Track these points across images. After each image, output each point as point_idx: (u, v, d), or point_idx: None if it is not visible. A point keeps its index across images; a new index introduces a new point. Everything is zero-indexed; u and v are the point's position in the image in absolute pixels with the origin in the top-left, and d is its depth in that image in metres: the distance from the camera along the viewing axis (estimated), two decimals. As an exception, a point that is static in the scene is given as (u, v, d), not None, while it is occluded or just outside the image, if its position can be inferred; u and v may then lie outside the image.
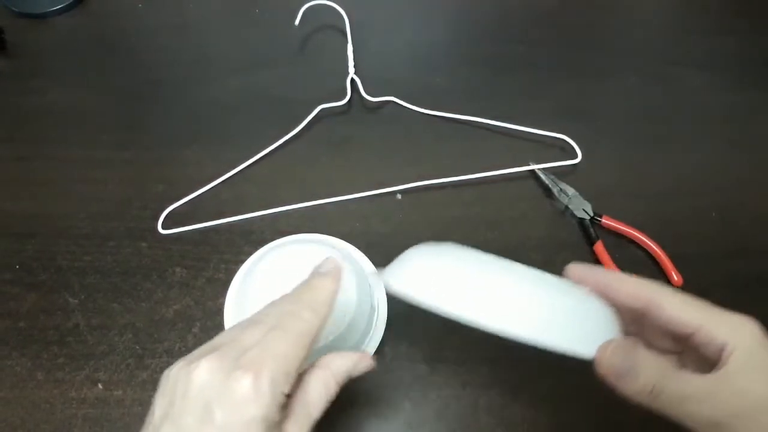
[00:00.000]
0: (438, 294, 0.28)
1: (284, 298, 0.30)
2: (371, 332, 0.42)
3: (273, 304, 0.30)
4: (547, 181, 0.51)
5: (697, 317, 0.29)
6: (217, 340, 0.28)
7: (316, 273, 0.31)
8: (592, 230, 0.48)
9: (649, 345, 0.31)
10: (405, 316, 0.43)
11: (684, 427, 0.27)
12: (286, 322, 0.28)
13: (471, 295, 0.28)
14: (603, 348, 0.28)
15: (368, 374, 0.42)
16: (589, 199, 0.49)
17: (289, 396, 0.27)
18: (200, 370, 0.25)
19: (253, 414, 0.24)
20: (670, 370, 0.28)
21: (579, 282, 0.32)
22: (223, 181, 0.52)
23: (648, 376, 0.27)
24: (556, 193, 0.50)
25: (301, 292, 0.30)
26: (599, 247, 0.47)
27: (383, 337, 0.44)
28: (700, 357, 0.29)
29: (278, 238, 0.49)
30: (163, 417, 0.25)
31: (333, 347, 0.36)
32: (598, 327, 0.29)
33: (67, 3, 0.66)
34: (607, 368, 0.28)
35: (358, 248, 0.48)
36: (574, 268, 0.32)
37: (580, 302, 0.30)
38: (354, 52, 0.59)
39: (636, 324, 0.31)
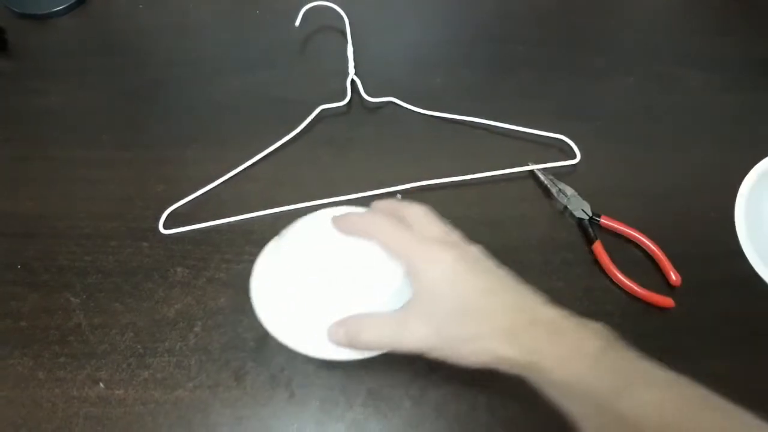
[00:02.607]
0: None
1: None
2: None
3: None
4: (546, 182, 0.51)
5: (400, 247, 0.35)
6: None
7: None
8: (591, 230, 0.48)
9: None
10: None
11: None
12: None
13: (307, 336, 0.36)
14: (327, 331, 0.35)
15: (369, 372, 0.43)
16: (588, 199, 0.49)
17: None
18: None
19: None
20: (364, 319, 0.35)
21: (346, 232, 0.36)
22: (224, 181, 0.52)
23: (347, 333, 0.35)
24: (555, 194, 0.50)
25: None
26: (598, 247, 0.47)
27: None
28: None
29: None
30: None
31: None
32: None
33: (68, 4, 0.66)
34: (336, 341, 0.35)
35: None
36: (336, 222, 0.37)
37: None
38: (354, 52, 0.59)
39: None
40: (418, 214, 0.36)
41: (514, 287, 0.34)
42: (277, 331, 0.37)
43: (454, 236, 0.36)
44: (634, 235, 0.48)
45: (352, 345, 0.35)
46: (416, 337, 0.33)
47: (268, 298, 0.38)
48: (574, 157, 0.52)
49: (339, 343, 0.35)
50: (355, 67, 0.58)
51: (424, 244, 0.34)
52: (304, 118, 0.55)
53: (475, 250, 0.35)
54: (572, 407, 0.32)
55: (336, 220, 0.37)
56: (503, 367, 0.33)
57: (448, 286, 0.33)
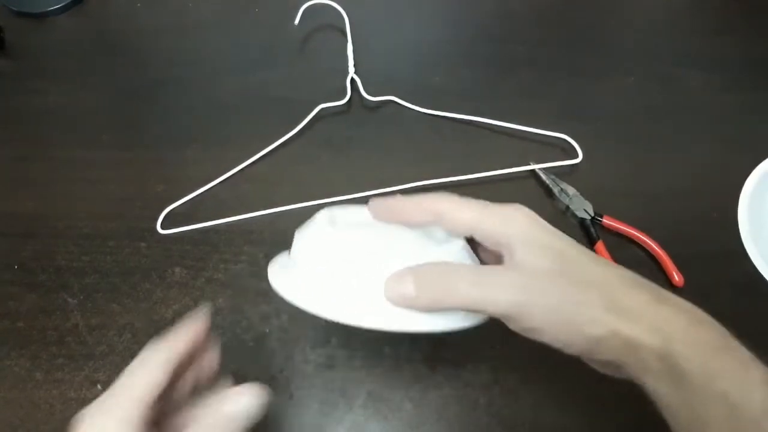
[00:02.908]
0: (320, 304, 0.28)
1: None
2: None
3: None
4: (547, 181, 0.50)
5: (471, 216, 0.29)
6: None
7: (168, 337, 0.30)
8: (592, 230, 0.48)
9: None
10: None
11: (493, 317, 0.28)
12: (133, 362, 0.28)
13: (347, 300, 0.28)
14: (385, 288, 0.28)
15: (368, 374, 0.43)
16: (590, 199, 0.49)
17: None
18: None
19: None
20: (450, 269, 0.28)
21: (379, 218, 0.31)
22: (222, 181, 0.52)
23: (426, 287, 0.27)
24: (556, 193, 0.50)
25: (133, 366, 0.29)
26: (600, 247, 0.47)
27: (382, 338, 0.44)
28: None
29: (278, 238, 0.49)
30: None
31: None
32: None
33: (66, 2, 0.66)
34: (396, 300, 0.28)
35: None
36: (372, 207, 0.31)
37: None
38: (354, 51, 0.59)
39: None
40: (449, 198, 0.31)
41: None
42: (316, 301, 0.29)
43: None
44: (637, 236, 0.47)
45: (419, 302, 0.27)
46: (510, 292, 0.26)
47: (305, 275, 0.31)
48: (576, 156, 0.52)
49: (402, 299, 0.27)
50: (354, 65, 0.58)
51: (504, 206, 0.29)
52: (304, 117, 0.55)
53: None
54: (700, 408, 0.25)
55: (378, 205, 0.31)
56: (614, 348, 0.26)
57: (547, 244, 0.28)
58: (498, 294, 0.27)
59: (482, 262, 0.32)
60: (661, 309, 0.26)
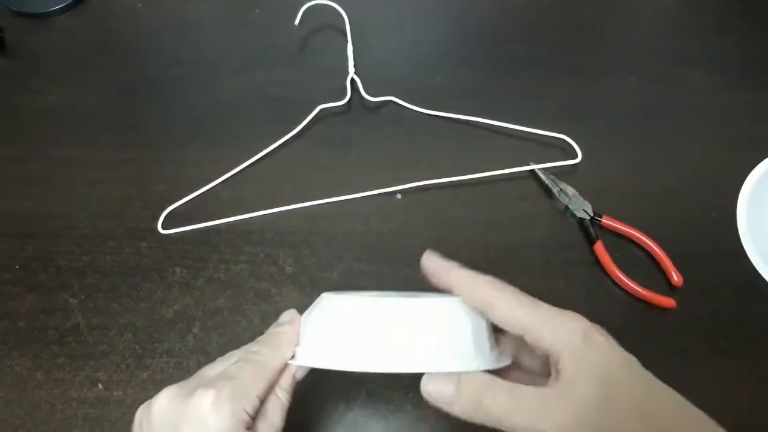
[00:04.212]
0: (341, 357, 0.29)
1: (246, 346, 0.32)
2: None
3: (234, 351, 0.32)
4: (547, 181, 0.50)
5: (525, 318, 0.28)
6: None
7: (276, 324, 0.33)
8: (592, 230, 0.48)
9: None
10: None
11: None
12: (247, 357, 0.30)
13: (365, 349, 0.29)
14: (424, 380, 0.29)
15: (368, 374, 0.42)
16: (589, 199, 0.49)
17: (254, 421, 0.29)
18: (159, 399, 0.28)
19: (215, 426, 0.26)
20: (495, 383, 0.27)
21: (428, 274, 0.31)
22: (223, 181, 0.52)
23: (469, 392, 0.27)
24: (556, 193, 0.50)
25: (261, 338, 0.32)
26: (599, 247, 0.47)
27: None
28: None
29: (278, 237, 0.49)
30: None
31: None
32: (474, 342, 0.29)
33: (66, 2, 0.66)
34: (433, 396, 0.28)
35: (359, 248, 0.48)
36: (426, 260, 0.31)
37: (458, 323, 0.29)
38: (354, 52, 0.59)
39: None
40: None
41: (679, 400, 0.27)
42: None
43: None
44: (636, 236, 0.47)
45: (455, 408, 0.28)
46: (553, 422, 0.25)
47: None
48: (575, 156, 0.52)
49: (440, 398, 0.28)
50: (354, 66, 0.58)
51: (561, 314, 0.28)
52: (304, 118, 0.55)
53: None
54: None
55: (432, 262, 0.31)
56: None
57: (599, 369, 0.26)
58: (539, 424, 0.26)
59: (525, 364, 0.31)
60: None
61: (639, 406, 0.26)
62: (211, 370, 0.31)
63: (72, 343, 0.44)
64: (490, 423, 0.27)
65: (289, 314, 0.33)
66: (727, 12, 0.65)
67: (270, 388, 0.30)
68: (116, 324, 0.45)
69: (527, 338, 0.28)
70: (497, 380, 0.27)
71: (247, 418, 0.28)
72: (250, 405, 0.28)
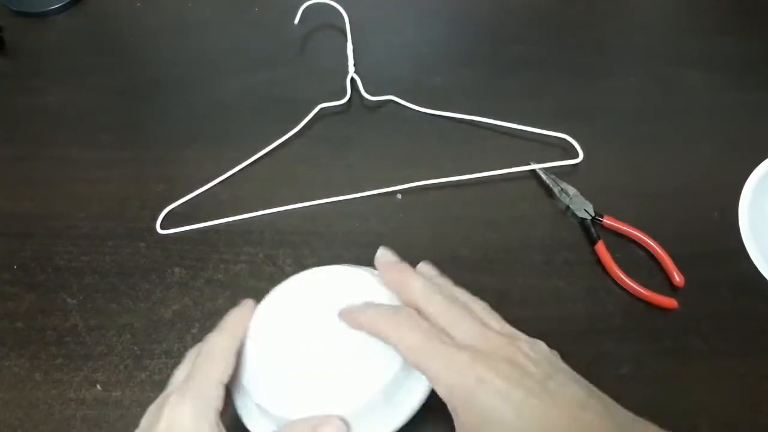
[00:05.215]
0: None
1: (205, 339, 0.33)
2: (403, 385, 0.32)
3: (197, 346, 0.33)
4: (548, 181, 0.50)
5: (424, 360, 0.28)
6: None
7: (230, 312, 0.34)
8: (593, 230, 0.48)
9: None
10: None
11: None
12: (206, 350, 0.31)
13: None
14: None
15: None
16: (590, 199, 0.49)
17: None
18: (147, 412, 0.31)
19: (186, 415, 0.28)
20: None
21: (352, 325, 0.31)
22: (222, 181, 0.52)
23: None
24: (557, 193, 0.50)
25: (217, 327, 0.33)
26: (600, 247, 0.47)
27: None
28: None
29: (278, 237, 0.49)
30: None
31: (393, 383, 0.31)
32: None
33: (66, 2, 0.65)
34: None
35: (359, 248, 0.48)
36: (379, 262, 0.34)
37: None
38: (354, 51, 0.59)
39: None
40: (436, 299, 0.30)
41: (596, 421, 0.26)
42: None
43: (506, 336, 0.29)
44: (637, 236, 0.47)
45: None
46: None
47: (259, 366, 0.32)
48: (576, 156, 0.52)
49: None
50: (354, 65, 0.58)
51: (469, 356, 0.26)
52: (304, 117, 0.54)
53: (541, 361, 0.28)
54: None
55: (342, 314, 0.32)
56: None
57: (506, 419, 0.25)
58: None
59: None
60: None
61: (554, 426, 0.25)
62: (180, 373, 0.32)
63: (70, 344, 0.44)
64: None
65: (246, 303, 0.34)
66: (727, 12, 0.65)
67: (230, 372, 0.31)
68: (115, 324, 0.45)
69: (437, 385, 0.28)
70: None
71: (214, 415, 0.29)
72: (215, 400, 0.29)
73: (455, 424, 0.27)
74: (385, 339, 0.29)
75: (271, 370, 0.31)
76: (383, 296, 0.33)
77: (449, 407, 0.27)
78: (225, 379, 0.30)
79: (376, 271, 0.35)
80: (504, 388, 0.26)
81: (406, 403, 0.32)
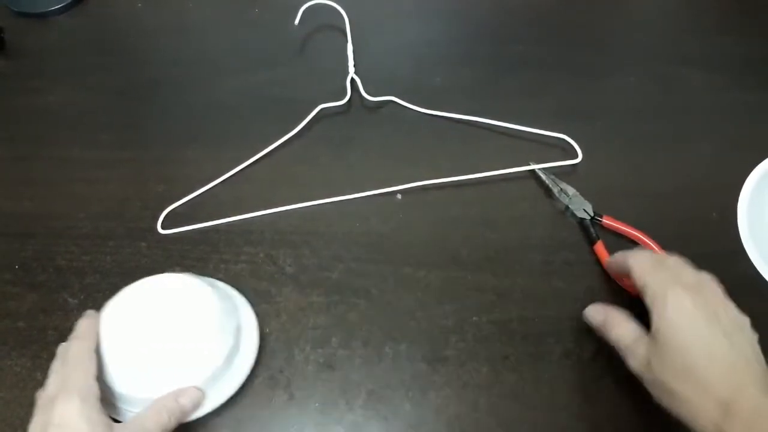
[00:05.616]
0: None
1: (62, 349, 0.38)
2: (239, 349, 0.42)
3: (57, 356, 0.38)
4: (547, 181, 0.50)
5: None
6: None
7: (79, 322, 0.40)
8: (592, 230, 0.48)
9: None
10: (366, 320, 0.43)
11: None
12: (70, 357, 0.36)
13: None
14: (588, 309, 0.42)
15: (368, 374, 0.43)
16: (589, 199, 0.49)
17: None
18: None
19: (75, 405, 0.33)
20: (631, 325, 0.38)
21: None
22: (222, 181, 0.52)
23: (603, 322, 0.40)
24: (556, 193, 0.50)
25: (71, 335, 0.39)
26: (600, 247, 0.47)
27: (383, 338, 0.44)
28: None
29: (278, 237, 0.49)
30: None
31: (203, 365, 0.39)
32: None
33: (66, 2, 0.66)
34: (588, 319, 0.41)
35: (359, 248, 0.48)
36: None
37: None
38: (354, 51, 0.59)
39: None
40: (676, 260, 0.39)
41: (744, 358, 0.33)
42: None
43: (709, 287, 0.37)
44: (636, 236, 0.47)
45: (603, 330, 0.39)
46: (638, 362, 0.36)
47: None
48: (575, 156, 0.52)
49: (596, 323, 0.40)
50: (354, 65, 0.58)
51: (675, 286, 0.35)
52: (304, 117, 0.55)
53: (724, 306, 0.36)
54: None
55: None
56: None
57: (680, 333, 0.34)
58: (630, 361, 0.37)
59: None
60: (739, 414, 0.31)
61: (710, 349, 0.33)
62: (52, 384, 0.36)
63: (72, 344, 0.44)
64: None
65: (90, 313, 0.41)
66: (727, 12, 0.65)
67: (93, 367, 0.36)
68: (116, 324, 0.45)
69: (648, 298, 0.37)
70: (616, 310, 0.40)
71: (97, 403, 0.34)
72: (94, 389, 0.35)
73: (654, 321, 0.36)
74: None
75: (131, 362, 0.38)
76: (206, 298, 0.41)
77: (647, 301, 0.37)
78: (96, 373, 0.36)
79: (196, 278, 0.43)
80: (691, 308, 0.34)
81: (243, 364, 0.41)
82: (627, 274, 0.39)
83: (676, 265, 0.38)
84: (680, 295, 0.35)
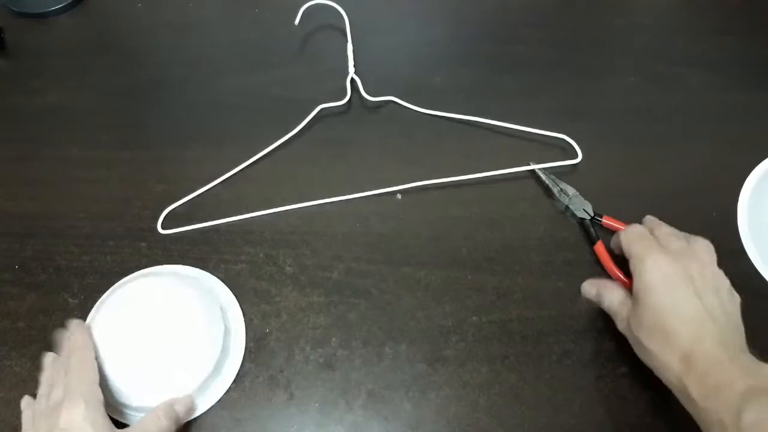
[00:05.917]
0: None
1: (56, 360, 0.40)
2: (229, 353, 0.43)
3: (51, 366, 0.40)
4: (547, 181, 0.50)
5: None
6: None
7: (68, 334, 0.40)
8: (592, 230, 0.48)
9: None
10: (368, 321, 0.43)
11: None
12: (69, 368, 0.37)
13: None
14: (583, 284, 0.43)
15: (368, 374, 0.43)
16: (589, 199, 0.49)
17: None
18: None
19: (80, 409, 0.34)
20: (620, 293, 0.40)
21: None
22: (222, 181, 0.52)
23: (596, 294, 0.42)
24: (556, 193, 0.50)
25: (64, 347, 0.40)
26: (600, 248, 0.47)
27: (383, 338, 0.44)
28: None
29: (278, 237, 0.49)
30: None
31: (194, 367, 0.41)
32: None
33: (66, 2, 0.66)
34: (584, 293, 0.43)
35: (359, 248, 0.48)
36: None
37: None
38: (354, 51, 0.59)
39: None
40: (666, 230, 0.41)
41: (711, 316, 0.35)
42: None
43: (692, 254, 0.38)
44: (636, 235, 0.47)
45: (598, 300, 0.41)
46: (623, 323, 0.39)
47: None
48: (575, 156, 0.52)
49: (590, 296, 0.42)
50: (354, 65, 0.58)
51: (654, 251, 0.37)
52: (304, 117, 0.55)
53: (702, 269, 0.37)
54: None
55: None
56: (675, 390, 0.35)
57: (653, 293, 0.36)
58: (618, 321, 0.40)
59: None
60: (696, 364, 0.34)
61: (683, 307, 0.35)
62: (55, 393, 0.36)
63: (72, 344, 0.44)
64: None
65: (77, 323, 0.41)
66: (727, 12, 0.65)
67: (96, 375, 0.37)
68: (116, 324, 0.45)
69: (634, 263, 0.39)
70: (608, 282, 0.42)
71: (102, 407, 0.35)
72: (99, 394, 0.36)
73: (635, 283, 0.38)
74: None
75: (128, 374, 0.39)
76: (192, 298, 0.42)
77: (631, 268, 0.39)
78: (98, 380, 0.37)
79: (181, 273, 0.45)
80: (666, 270, 0.36)
81: (230, 370, 0.43)
82: (621, 250, 0.41)
83: (663, 234, 0.40)
84: (658, 259, 0.37)
